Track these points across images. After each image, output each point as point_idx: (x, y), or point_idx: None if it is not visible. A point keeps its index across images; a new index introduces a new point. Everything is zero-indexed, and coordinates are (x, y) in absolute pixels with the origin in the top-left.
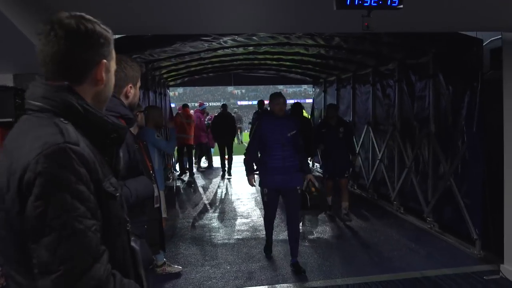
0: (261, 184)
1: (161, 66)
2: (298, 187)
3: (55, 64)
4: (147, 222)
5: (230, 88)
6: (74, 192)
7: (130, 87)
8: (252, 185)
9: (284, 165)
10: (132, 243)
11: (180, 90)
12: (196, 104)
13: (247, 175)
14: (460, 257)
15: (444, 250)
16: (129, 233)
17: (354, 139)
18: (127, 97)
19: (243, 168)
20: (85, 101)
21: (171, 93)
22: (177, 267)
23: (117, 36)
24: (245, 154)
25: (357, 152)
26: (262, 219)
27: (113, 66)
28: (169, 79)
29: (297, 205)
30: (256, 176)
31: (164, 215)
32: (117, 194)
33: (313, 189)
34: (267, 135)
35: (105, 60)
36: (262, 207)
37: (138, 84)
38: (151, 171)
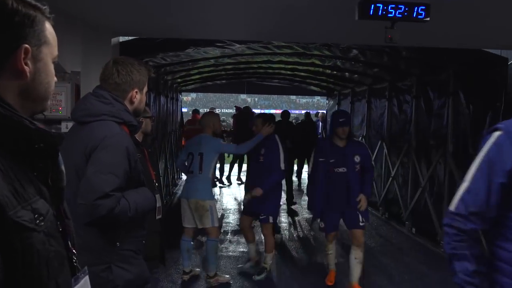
0: None
1: (173, 70)
2: None
3: None
4: (145, 236)
5: (243, 96)
6: None
7: (136, 92)
8: None
9: None
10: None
11: (193, 95)
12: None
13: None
14: None
15: None
16: (76, 269)
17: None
18: (132, 102)
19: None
20: (1, 99)
21: (183, 98)
22: (227, 277)
23: (129, 38)
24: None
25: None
26: None
27: (47, 53)
28: (181, 84)
29: None
30: None
31: (215, 224)
32: (40, 224)
33: None
34: None
35: (26, 45)
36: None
37: (145, 90)
38: (154, 181)
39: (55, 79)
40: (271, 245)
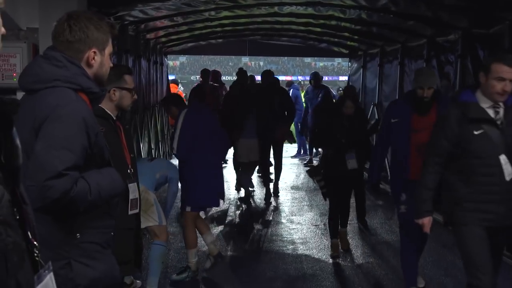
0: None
1: (157, 27)
2: None
3: None
4: (114, 227)
5: (244, 59)
6: None
7: (94, 52)
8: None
9: None
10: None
11: (183, 58)
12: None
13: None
14: None
15: None
16: (38, 264)
17: None
18: (89, 65)
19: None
20: None
21: (170, 63)
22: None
23: None
24: None
25: None
26: (270, 224)
27: None
28: (167, 45)
29: None
30: None
31: (163, 222)
32: None
33: None
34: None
35: None
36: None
37: (108, 51)
38: (130, 166)
39: (3, 30)
40: (191, 239)
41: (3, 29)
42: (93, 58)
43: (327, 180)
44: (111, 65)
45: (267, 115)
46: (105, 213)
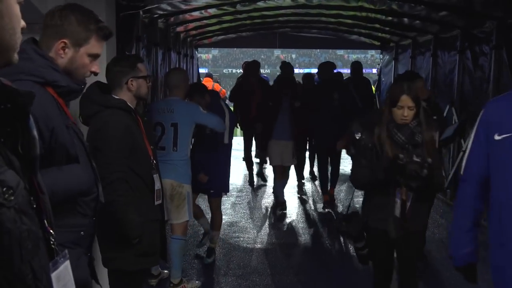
0: None
1: (186, 20)
2: None
3: None
4: (86, 227)
5: (276, 52)
6: None
7: (64, 43)
8: None
9: None
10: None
11: (215, 51)
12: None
13: None
14: None
15: None
16: (54, 252)
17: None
18: (58, 56)
19: None
20: None
21: (203, 56)
22: (196, 282)
23: None
24: None
25: None
26: (303, 218)
27: None
28: (197, 38)
29: None
30: None
31: (191, 217)
32: (10, 198)
33: None
34: None
35: None
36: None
37: (86, 50)
38: (151, 157)
39: (23, 23)
40: (220, 222)
41: (23, 22)
42: (62, 49)
43: (370, 238)
44: (94, 69)
45: (325, 115)
46: (70, 210)
